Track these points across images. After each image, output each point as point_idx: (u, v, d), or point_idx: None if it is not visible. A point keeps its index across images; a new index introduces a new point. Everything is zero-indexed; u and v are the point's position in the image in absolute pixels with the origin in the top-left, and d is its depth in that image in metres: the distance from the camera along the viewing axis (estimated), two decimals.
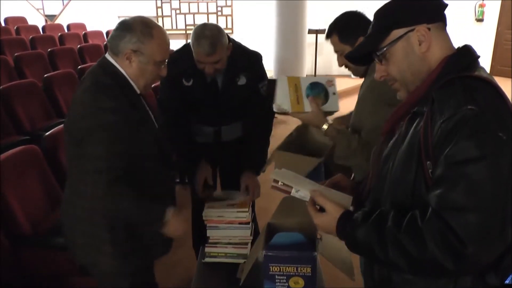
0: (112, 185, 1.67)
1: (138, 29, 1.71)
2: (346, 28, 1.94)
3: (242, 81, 2.50)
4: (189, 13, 10.06)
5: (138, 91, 1.81)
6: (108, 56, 1.79)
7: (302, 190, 1.35)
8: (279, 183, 1.36)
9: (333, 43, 1.99)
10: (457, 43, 1.23)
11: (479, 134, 1.02)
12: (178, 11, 10.07)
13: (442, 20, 1.21)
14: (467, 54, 1.20)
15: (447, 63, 1.17)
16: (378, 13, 1.26)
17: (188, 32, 10.03)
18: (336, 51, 2.02)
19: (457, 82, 1.11)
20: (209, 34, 2.22)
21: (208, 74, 2.36)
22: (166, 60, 1.83)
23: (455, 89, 1.09)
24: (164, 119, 2.52)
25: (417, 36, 1.19)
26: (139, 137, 1.75)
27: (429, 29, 1.18)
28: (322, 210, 1.28)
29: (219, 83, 2.49)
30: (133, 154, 1.73)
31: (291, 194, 1.35)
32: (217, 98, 2.51)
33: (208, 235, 2.09)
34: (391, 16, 1.22)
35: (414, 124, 1.18)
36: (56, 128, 2.99)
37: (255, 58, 2.58)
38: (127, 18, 1.78)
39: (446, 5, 1.22)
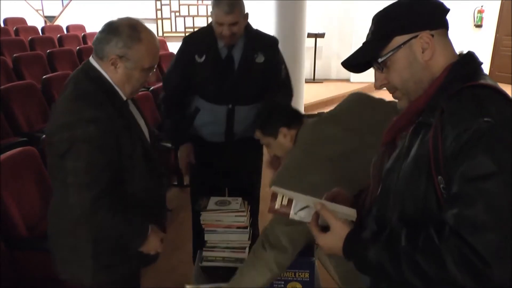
0: (97, 200, 1.61)
1: (125, 32, 1.61)
2: (266, 123, 2.03)
3: (260, 59, 2.57)
4: (189, 15, 10.06)
5: (124, 98, 1.72)
6: (92, 60, 1.69)
7: (303, 206, 1.29)
8: (276, 205, 1.30)
9: (258, 137, 2.08)
10: (455, 48, 1.21)
11: (495, 148, 0.98)
12: (177, 14, 10.07)
13: (445, 26, 1.18)
14: (471, 61, 1.17)
15: (451, 71, 1.14)
16: (378, 18, 1.20)
17: (187, 34, 10.01)
18: (263, 144, 2.12)
19: (467, 93, 1.07)
20: None
21: (225, 37, 2.44)
22: (155, 67, 1.73)
23: (466, 100, 1.05)
24: (163, 95, 2.73)
25: (421, 44, 1.14)
26: (123, 147, 1.66)
27: (432, 35, 1.14)
28: (324, 229, 1.23)
29: (235, 58, 2.55)
30: (117, 165, 1.66)
31: (290, 216, 1.29)
32: (233, 73, 2.56)
33: (206, 239, 2.08)
34: (393, 21, 1.17)
35: (420, 136, 1.12)
36: None
37: (273, 40, 2.70)
38: (113, 19, 1.68)
39: (448, 10, 1.18)
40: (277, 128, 1.98)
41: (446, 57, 1.16)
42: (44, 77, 4.64)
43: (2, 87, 4.08)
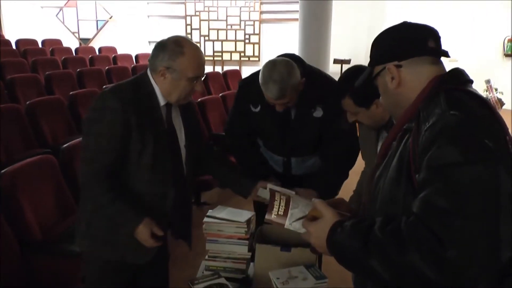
0: (93, 176, 1.85)
1: (169, 48, 1.86)
2: (361, 94, 1.89)
3: (318, 113, 2.36)
4: (218, 40, 10.30)
5: (162, 103, 1.94)
6: (148, 72, 1.96)
7: (298, 217, 1.34)
8: (272, 215, 1.35)
9: (347, 104, 1.97)
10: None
11: (462, 139, 1.03)
12: (207, 38, 10.32)
13: (424, 53, 1.22)
14: (458, 74, 1.22)
15: (436, 82, 1.19)
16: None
17: (216, 58, 10.24)
18: (346, 109, 2.00)
19: (442, 94, 1.14)
20: (277, 78, 2.12)
21: (279, 110, 2.30)
22: (202, 76, 1.94)
23: (439, 99, 1.13)
24: (230, 146, 2.63)
25: (390, 73, 1.24)
26: (132, 142, 1.86)
27: (400, 66, 1.23)
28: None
29: (292, 112, 2.38)
30: (125, 156, 1.87)
31: (285, 226, 1.35)
32: (288, 128, 2.41)
33: (207, 248, 2.09)
34: (373, 52, 1.32)
35: (404, 140, 1.20)
36: (73, 141, 3.13)
37: (335, 92, 2.17)
38: (164, 38, 1.92)
39: (426, 38, 1.23)
40: (372, 99, 1.90)
41: (421, 81, 1.21)
42: (71, 93, 4.82)
43: (30, 101, 4.27)
